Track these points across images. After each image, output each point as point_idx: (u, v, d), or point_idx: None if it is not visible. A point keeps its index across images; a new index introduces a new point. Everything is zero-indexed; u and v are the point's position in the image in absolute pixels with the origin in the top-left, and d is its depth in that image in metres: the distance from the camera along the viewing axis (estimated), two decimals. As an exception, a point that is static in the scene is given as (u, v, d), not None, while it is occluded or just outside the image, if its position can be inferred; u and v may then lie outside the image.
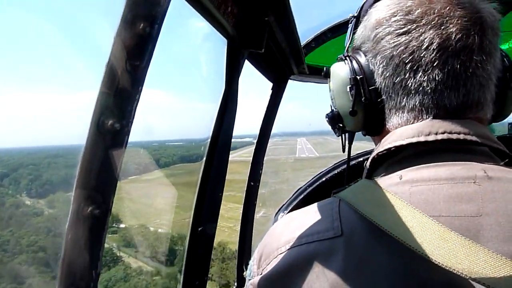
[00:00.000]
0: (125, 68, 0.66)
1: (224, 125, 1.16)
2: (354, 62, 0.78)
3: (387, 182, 0.68)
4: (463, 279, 0.55)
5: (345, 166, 2.86)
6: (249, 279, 0.77)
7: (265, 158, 2.28)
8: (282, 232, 0.75)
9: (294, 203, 2.64)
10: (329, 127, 0.91)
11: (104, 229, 0.69)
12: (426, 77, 0.69)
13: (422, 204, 0.62)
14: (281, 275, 0.69)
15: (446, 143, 0.67)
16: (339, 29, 2.14)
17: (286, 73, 1.98)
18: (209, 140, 1.18)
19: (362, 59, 0.77)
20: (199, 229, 1.15)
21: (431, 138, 0.67)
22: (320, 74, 2.42)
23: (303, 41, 2.11)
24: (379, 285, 0.60)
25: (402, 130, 0.71)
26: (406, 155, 0.71)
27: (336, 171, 2.84)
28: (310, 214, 0.74)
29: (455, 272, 0.54)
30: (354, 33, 0.82)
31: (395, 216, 0.61)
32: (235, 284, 2.09)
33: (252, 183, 2.13)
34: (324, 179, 2.79)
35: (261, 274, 0.73)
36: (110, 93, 0.66)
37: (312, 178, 2.94)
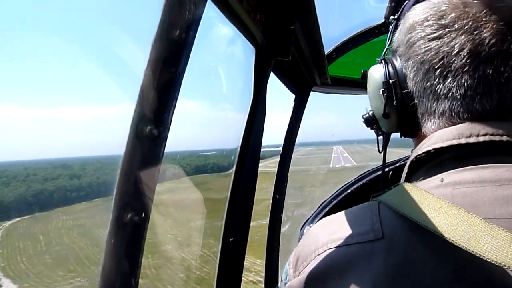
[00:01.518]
0: (162, 75, 0.67)
1: (253, 133, 1.16)
2: (389, 65, 0.79)
3: (428, 185, 0.67)
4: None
5: (370, 177, 2.82)
6: (285, 283, 0.76)
7: (292, 169, 2.26)
8: (320, 234, 0.74)
9: (319, 216, 2.61)
10: (366, 135, 0.92)
11: (143, 236, 0.69)
12: (455, 83, 0.68)
13: (466, 206, 0.61)
14: (319, 277, 0.68)
15: (488, 145, 0.66)
16: (360, 39, 2.15)
17: (309, 84, 1.98)
18: (239, 149, 1.18)
19: (397, 62, 0.78)
20: (231, 239, 1.14)
21: (472, 140, 0.66)
22: (342, 85, 2.43)
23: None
24: (425, 286, 0.59)
25: (441, 133, 0.70)
26: (446, 157, 0.69)
27: (361, 183, 2.79)
28: (349, 217, 0.73)
29: (505, 267, 0.52)
30: (393, 36, 0.82)
31: (438, 215, 0.60)
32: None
33: (277, 196, 2.12)
34: (349, 191, 2.74)
35: (298, 276, 0.72)
36: (147, 100, 0.67)
37: (337, 190, 2.90)
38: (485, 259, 0.53)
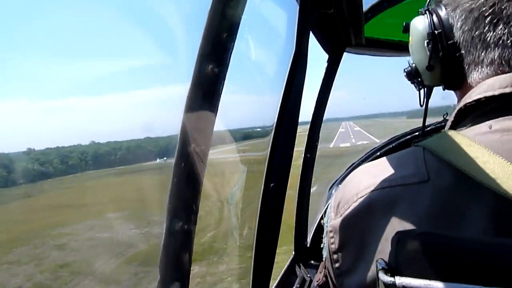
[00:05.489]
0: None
1: (292, 91, 1.19)
2: (434, 16, 0.77)
3: (474, 132, 0.68)
4: None
5: (399, 141, 2.82)
6: (326, 225, 0.79)
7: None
8: (362, 179, 0.76)
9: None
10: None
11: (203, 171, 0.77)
12: (506, 30, 0.67)
13: None
14: (362, 216, 0.70)
15: None
16: None
17: (344, 43, 1.98)
18: (279, 106, 1.23)
19: (442, 12, 0.76)
20: (271, 185, 1.20)
21: None
22: (376, 46, 2.40)
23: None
24: (468, 230, 0.60)
25: (493, 81, 0.69)
26: (496, 106, 0.69)
27: (390, 146, 2.81)
28: (392, 161, 0.74)
29: None
30: None
31: (481, 163, 0.61)
32: (293, 253, 2.15)
33: (308, 155, 2.16)
34: (378, 153, 2.76)
35: (340, 217, 0.74)
36: None
37: (365, 154, 2.92)
38: None
